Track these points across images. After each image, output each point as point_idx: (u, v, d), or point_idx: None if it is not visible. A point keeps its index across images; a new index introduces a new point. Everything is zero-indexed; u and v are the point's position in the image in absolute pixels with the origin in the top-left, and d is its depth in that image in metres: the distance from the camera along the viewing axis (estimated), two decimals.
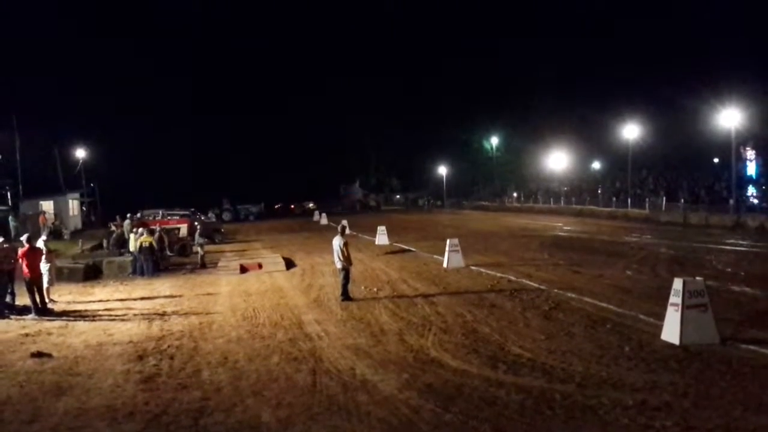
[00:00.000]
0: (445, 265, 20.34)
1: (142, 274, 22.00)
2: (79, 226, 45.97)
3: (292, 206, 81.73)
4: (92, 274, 22.25)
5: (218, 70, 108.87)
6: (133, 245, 23.07)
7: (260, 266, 22.97)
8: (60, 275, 19.99)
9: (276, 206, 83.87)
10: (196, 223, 32.72)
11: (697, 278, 10.56)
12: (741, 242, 25.11)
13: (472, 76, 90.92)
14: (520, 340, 10.84)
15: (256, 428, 7.49)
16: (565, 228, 36.59)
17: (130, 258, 23.28)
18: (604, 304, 13.40)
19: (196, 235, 26.11)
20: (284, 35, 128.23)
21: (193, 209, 41.92)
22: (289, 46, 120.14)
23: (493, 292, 15.57)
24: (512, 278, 17.58)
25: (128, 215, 31.34)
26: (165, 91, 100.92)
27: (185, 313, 14.88)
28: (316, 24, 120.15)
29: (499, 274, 18.26)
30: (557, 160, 65.12)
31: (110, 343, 12.14)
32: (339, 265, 15.66)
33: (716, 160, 55.05)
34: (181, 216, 36.76)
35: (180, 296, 17.51)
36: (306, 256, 26.13)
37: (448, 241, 20.87)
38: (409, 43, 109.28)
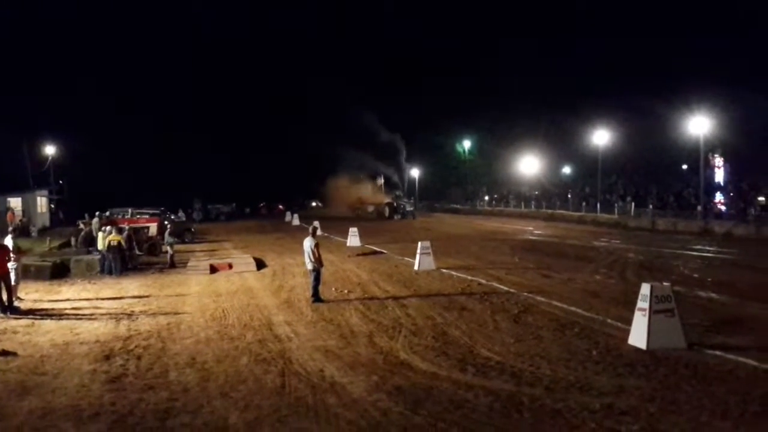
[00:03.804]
0: (416, 267, 20.38)
1: (110, 273, 21.71)
2: (47, 223, 45.32)
3: (280, 206, 77.71)
4: (60, 272, 21.87)
5: (195, 66, 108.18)
6: (101, 244, 22.77)
7: (230, 266, 22.81)
8: (27, 273, 19.67)
9: (260, 205, 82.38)
10: (165, 222, 32.41)
11: (665, 284, 10.68)
12: (708, 248, 25.51)
13: (446, 79, 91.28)
14: (490, 343, 10.89)
15: (223, 430, 7.42)
16: (536, 232, 36.90)
17: (99, 257, 22.96)
18: (572, 308, 13.53)
19: (166, 235, 25.85)
20: (261, 29, 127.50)
21: (163, 208, 41.48)
22: (266, 43, 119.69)
23: (463, 295, 15.64)
24: (482, 281, 17.67)
25: (97, 213, 30.97)
26: (138, 88, 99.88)
27: (153, 313, 14.71)
28: (293, 22, 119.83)
29: (469, 278, 18.35)
30: (528, 165, 65.64)
31: (77, 342, 11.96)
32: (310, 266, 15.62)
33: (685, 166, 55.92)
34: (151, 215, 36.31)
35: (148, 296, 17.31)
36: (277, 256, 26.02)
37: (419, 244, 20.92)
38: (384, 46, 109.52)
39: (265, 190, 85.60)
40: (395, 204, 59.31)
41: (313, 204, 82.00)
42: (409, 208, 58.48)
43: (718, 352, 9.83)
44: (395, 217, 57.31)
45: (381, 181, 66.87)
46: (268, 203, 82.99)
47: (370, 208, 61.80)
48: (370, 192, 66.24)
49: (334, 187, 72.21)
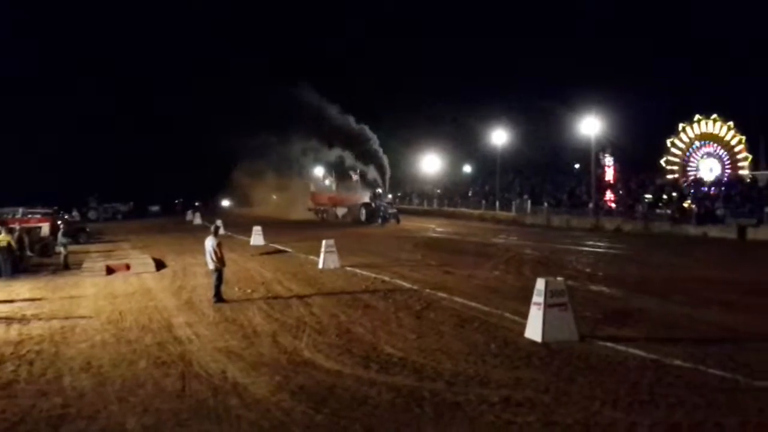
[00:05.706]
0: (320, 265, 20.37)
1: None
2: None
3: (196, 204, 73.50)
4: None
5: (100, 55, 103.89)
6: None
7: (128, 267, 22.11)
8: None
9: (176, 202, 79.82)
10: (59, 222, 31.17)
11: (558, 278, 11.12)
12: (599, 244, 26.67)
13: (348, 76, 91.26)
14: (393, 340, 11.04)
15: None
16: (438, 229, 37.56)
17: None
18: (472, 304, 13.87)
19: (59, 235, 24.88)
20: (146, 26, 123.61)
21: (56, 207, 39.89)
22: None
23: (367, 293, 15.76)
24: (386, 279, 17.86)
25: None
26: (29, 83, 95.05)
27: (46, 317, 14.11)
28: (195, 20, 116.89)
29: (373, 275, 18.50)
30: (431, 163, 66.73)
31: None
32: (211, 266, 15.37)
33: (577, 165, 58.21)
34: (43, 214, 34.90)
35: (41, 299, 16.60)
36: (177, 256, 25.42)
37: (323, 242, 20.91)
38: (282, 41, 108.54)
39: (182, 187, 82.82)
40: (373, 205, 46.45)
41: (224, 203, 78.74)
42: (391, 210, 45.78)
43: (608, 344, 10.29)
44: (376, 221, 44.33)
45: (356, 176, 51.24)
46: (184, 201, 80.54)
47: (341, 211, 50.41)
48: (335, 190, 53.38)
49: (256, 183, 63.43)
